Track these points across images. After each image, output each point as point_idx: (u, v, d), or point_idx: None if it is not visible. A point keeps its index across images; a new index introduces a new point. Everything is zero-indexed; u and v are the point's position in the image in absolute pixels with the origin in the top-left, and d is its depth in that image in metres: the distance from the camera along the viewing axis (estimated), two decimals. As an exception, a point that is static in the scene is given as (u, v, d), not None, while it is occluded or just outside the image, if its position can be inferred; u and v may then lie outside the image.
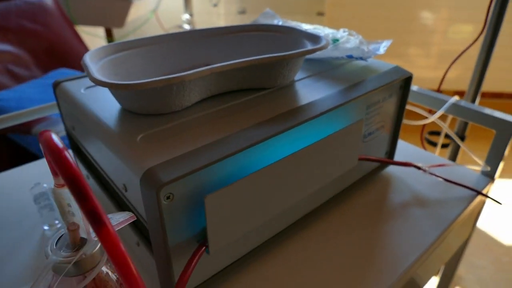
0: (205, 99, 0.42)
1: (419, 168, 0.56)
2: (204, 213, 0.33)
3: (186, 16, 1.70)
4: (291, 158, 0.38)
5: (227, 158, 0.33)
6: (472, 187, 0.55)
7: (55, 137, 0.20)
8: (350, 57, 0.49)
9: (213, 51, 0.51)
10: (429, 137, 0.97)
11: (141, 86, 0.34)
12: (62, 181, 0.23)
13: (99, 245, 0.24)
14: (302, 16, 2.01)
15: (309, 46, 0.46)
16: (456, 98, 0.62)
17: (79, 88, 0.46)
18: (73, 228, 0.23)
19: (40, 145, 0.20)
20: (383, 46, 0.51)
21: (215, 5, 1.82)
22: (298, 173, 0.40)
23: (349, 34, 0.53)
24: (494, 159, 0.56)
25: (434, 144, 0.94)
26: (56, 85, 0.48)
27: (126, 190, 0.36)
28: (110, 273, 0.27)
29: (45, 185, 0.46)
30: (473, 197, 0.54)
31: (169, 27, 1.89)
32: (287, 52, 0.41)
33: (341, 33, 0.53)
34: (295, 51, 0.41)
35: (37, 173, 0.60)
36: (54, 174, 0.23)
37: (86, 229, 0.24)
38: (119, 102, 0.40)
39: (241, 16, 2.11)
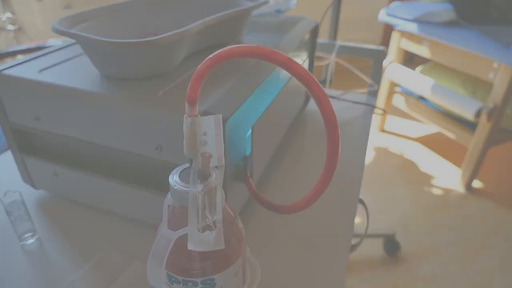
0: (183, 60, 0.44)
1: (333, 97, 0.70)
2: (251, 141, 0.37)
3: (8, 15, 1.45)
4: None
5: (252, 93, 0.38)
6: (371, 103, 0.73)
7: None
8: (278, 11, 0.58)
9: (159, 20, 0.52)
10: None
11: (163, 40, 0.35)
12: (196, 112, 0.25)
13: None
14: None
15: (249, 3, 0.52)
16: (339, 41, 0.78)
17: (31, 73, 0.41)
18: (208, 155, 0.25)
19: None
20: (293, 2, 0.61)
21: (39, 0, 1.60)
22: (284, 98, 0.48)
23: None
24: (376, 79, 0.76)
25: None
26: (-6, 76, 0.41)
27: (161, 150, 0.36)
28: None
29: (16, 192, 0.40)
30: (371, 110, 0.72)
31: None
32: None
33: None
34: (255, 3, 0.47)
35: None
36: (191, 104, 0.24)
37: (218, 156, 0.26)
38: (116, 70, 0.38)
39: (67, 11, 1.93)
